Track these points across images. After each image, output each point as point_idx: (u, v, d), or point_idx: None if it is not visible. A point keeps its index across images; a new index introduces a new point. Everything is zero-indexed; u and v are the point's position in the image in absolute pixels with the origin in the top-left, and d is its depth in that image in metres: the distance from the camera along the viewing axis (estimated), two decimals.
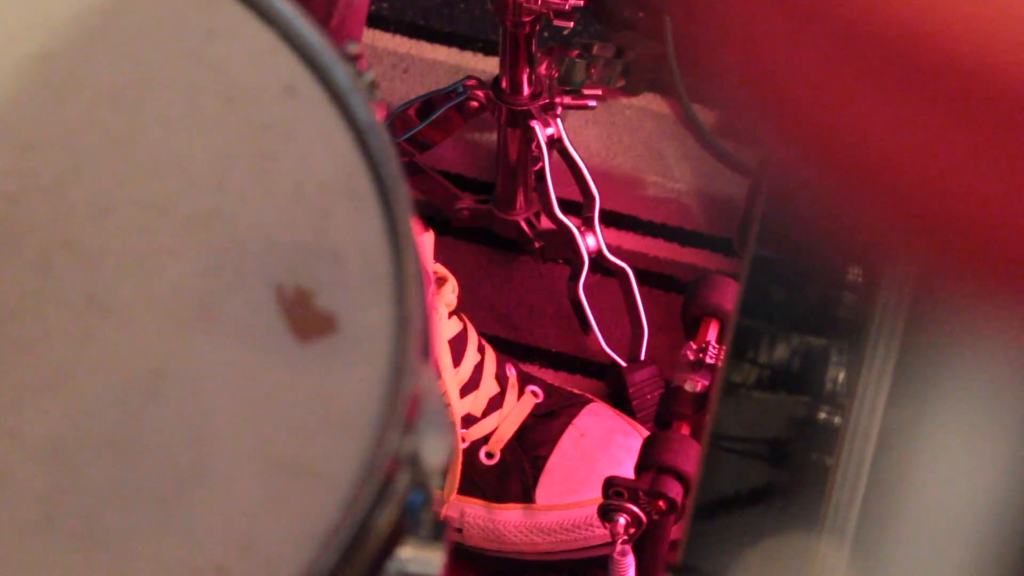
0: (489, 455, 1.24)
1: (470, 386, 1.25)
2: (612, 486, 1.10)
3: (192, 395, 0.63)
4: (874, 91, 0.39)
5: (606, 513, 1.11)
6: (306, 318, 0.64)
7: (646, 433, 1.26)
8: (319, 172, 0.67)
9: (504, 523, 1.24)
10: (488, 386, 1.25)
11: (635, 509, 1.10)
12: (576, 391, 1.29)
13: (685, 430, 1.17)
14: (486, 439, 1.24)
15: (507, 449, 1.25)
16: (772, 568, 0.64)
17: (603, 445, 1.25)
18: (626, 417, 1.28)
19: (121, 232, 0.66)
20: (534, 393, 1.26)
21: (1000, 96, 0.38)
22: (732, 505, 0.67)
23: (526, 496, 1.24)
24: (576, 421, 1.26)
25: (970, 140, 0.39)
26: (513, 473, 1.24)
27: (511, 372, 1.26)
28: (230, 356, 0.63)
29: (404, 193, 0.66)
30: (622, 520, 1.10)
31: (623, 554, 1.11)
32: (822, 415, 0.66)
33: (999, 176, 0.39)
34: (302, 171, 0.67)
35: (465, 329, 1.26)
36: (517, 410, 1.25)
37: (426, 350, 0.64)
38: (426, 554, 0.62)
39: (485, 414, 1.25)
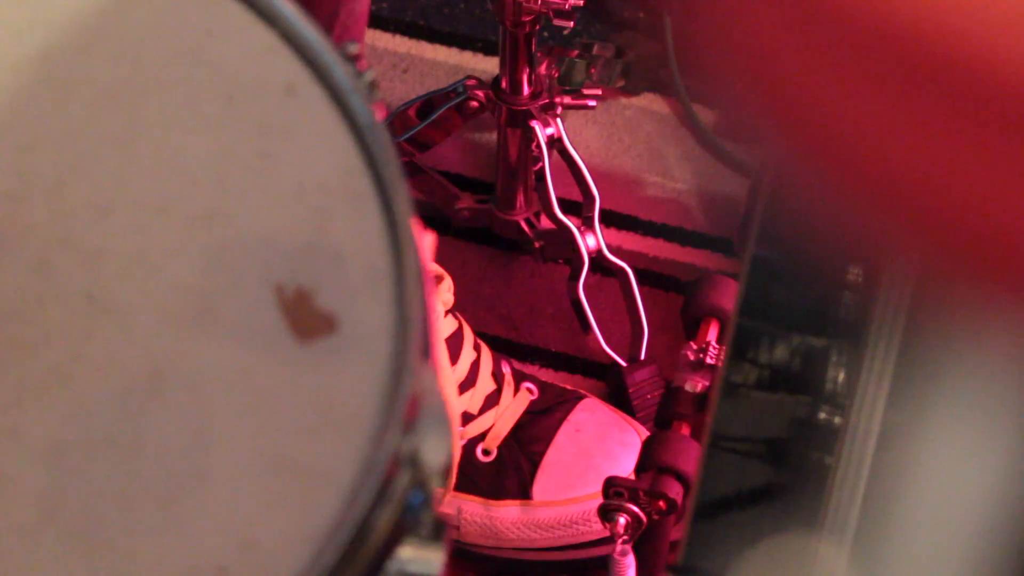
0: (486, 452, 1.25)
1: (467, 384, 1.25)
2: (612, 486, 1.10)
3: (192, 395, 0.63)
4: (875, 90, 0.39)
5: (606, 513, 1.11)
6: (306, 318, 0.64)
7: (641, 428, 1.26)
8: (319, 172, 0.67)
9: (501, 520, 1.24)
10: (484, 383, 1.25)
11: (635, 509, 1.10)
12: (570, 387, 1.29)
13: (685, 430, 1.17)
14: (483, 436, 1.25)
15: (503, 446, 1.25)
16: (772, 568, 0.64)
17: (599, 440, 1.25)
18: (620, 412, 1.28)
19: (121, 232, 0.66)
20: (529, 390, 1.27)
21: (1001, 94, 0.38)
22: (732, 505, 0.67)
23: (523, 492, 1.24)
24: (571, 416, 1.26)
25: (971, 139, 0.39)
26: (510, 470, 1.24)
27: (506, 369, 1.27)
28: (230, 356, 0.63)
29: (404, 193, 0.66)
30: (622, 520, 1.10)
31: (623, 554, 1.11)
32: (822, 415, 0.66)
33: (1000, 175, 0.39)
34: (302, 171, 0.67)
35: (461, 327, 1.26)
36: (513, 407, 1.25)
37: (426, 350, 0.64)
38: (426, 554, 0.62)
39: (482, 411, 1.25)
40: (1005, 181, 0.39)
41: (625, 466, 1.23)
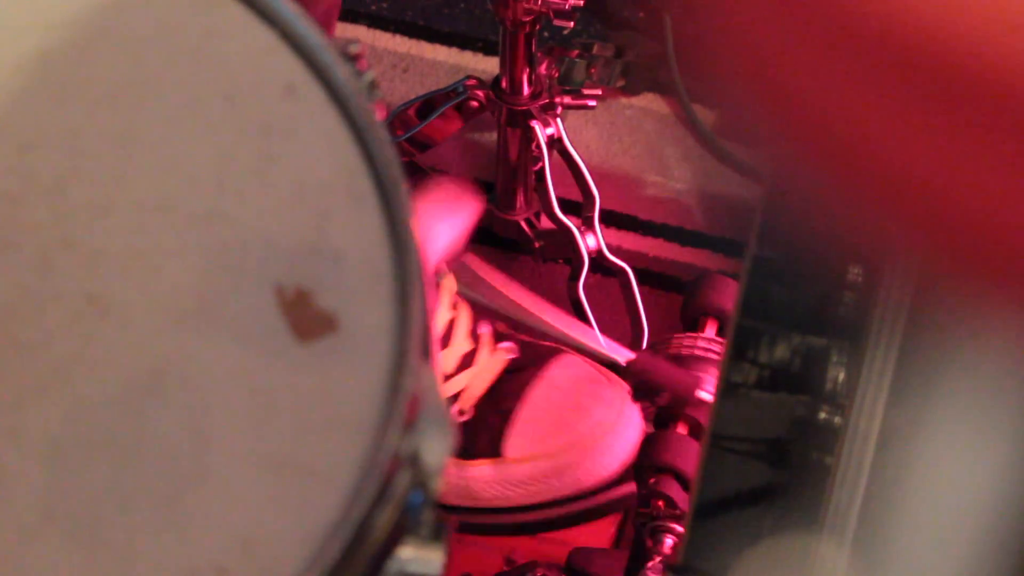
0: (461, 412, 1.23)
1: (441, 343, 1.23)
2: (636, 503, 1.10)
3: (192, 394, 0.63)
4: (875, 91, 0.39)
5: (653, 533, 1.10)
6: (306, 318, 0.64)
7: (620, 382, 1.24)
8: (319, 172, 0.67)
9: (475, 479, 1.23)
10: (460, 343, 1.23)
11: (681, 529, 1.09)
12: (550, 343, 1.28)
13: (684, 430, 1.17)
14: (457, 397, 1.23)
15: (478, 405, 1.23)
16: (772, 568, 0.64)
17: (570, 394, 1.23)
18: (597, 365, 1.26)
19: (121, 232, 0.66)
20: (508, 350, 1.25)
21: (1001, 95, 0.38)
22: (732, 505, 0.67)
23: (494, 450, 1.22)
24: (545, 372, 1.24)
25: (971, 140, 0.39)
26: (481, 428, 1.23)
27: (484, 330, 1.25)
28: (230, 356, 0.63)
29: (404, 193, 0.66)
30: (669, 541, 1.10)
31: (656, 571, 1.11)
32: (822, 415, 0.66)
33: (1000, 176, 0.39)
34: (302, 171, 0.67)
35: (438, 285, 1.25)
36: (489, 367, 1.23)
37: (426, 350, 0.64)
38: (426, 554, 0.62)
39: (458, 371, 1.23)
40: (1006, 182, 0.39)
41: (596, 419, 1.21)
